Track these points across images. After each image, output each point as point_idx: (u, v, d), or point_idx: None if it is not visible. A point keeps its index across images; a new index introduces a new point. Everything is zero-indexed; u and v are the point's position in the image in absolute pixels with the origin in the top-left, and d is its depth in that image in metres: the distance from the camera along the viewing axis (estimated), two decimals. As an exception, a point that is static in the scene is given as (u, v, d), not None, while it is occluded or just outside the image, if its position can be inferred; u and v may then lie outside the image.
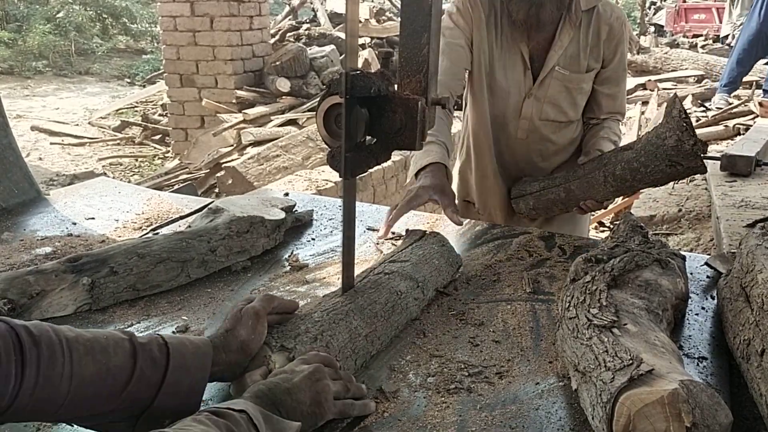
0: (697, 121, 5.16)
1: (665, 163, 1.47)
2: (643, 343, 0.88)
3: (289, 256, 1.45)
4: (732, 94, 5.97)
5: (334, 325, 0.99)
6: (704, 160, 1.45)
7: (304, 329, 0.96)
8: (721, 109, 5.58)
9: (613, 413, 0.78)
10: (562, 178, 1.72)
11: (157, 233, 1.59)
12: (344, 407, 0.87)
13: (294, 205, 1.64)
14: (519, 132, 1.81)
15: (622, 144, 1.77)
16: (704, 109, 5.82)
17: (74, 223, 1.67)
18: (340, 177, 1.03)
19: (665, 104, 1.50)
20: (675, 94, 1.51)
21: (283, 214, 1.52)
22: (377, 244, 1.54)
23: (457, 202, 1.83)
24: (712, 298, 1.26)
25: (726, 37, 12.20)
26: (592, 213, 1.81)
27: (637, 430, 0.76)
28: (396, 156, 4.59)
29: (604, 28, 1.73)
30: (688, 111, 5.60)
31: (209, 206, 1.50)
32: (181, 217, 1.73)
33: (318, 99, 1.03)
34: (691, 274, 1.37)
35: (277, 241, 1.51)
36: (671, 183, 3.30)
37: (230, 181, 4.69)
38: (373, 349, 1.04)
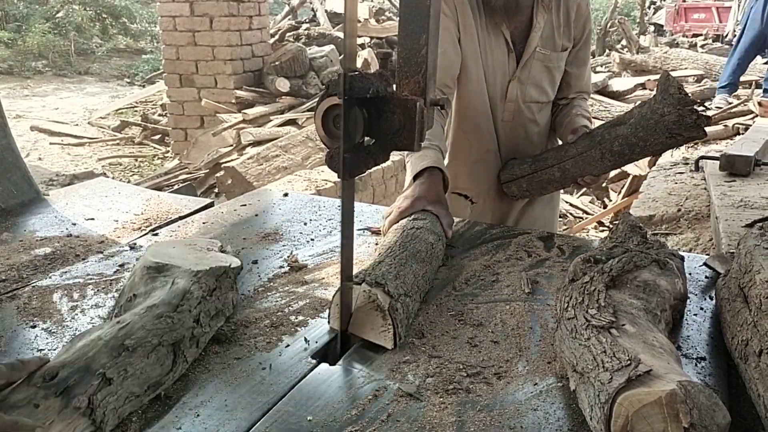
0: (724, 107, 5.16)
1: (665, 136, 1.52)
2: (641, 344, 0.88)
3: (288, 257, 1.45)
4: (732, 94, 5.99)
5: (402, 268, 1.18)
6: (705, 129, 1.50)
7: (385, 270, 1.14)
8: (721, 108, 5.59)
9: (611, 414, 0.79)
10: (554, 159, 1.77)
11: (144, 242, 1.60)
12: None
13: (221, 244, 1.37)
14: (505, 114, 1.89)
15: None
16: (704, 108, 5.80)
17: (74, 224, 1.67)
18: (338, 177, 1.03)
19: (658, 81, 1.53)
20: (666, 71, 1.55)
21: (237, 260, 1.28)
22: (376, 245, 1.55)
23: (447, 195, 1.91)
24: (711, 298, 1.26)
25: (727, 35, 12.22)
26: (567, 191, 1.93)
27: (635, 431, 0.76)
28: (395, 156, 4.59)
29: (572, 8, 1.86)
30: (719, 105, 5.60)
31: (146, 265, 1.14)
32: (181, 218, 1.73)
33: (317, 99, 1.03)
34: (690, 274, 1.37)
35: (238, 292, 1.24)
36: (671, 185, 3.30)
37: (230, 181, 4.69)
38: (426, 287, 1.25)
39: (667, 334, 1.04)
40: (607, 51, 9.80)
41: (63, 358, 0.86)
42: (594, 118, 6.44)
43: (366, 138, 1.06)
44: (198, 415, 0.89)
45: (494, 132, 1.91)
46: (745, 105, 5.44)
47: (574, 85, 1.95)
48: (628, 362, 0.82)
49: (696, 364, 1.04)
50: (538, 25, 1.80)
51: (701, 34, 13.31)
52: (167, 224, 1.68)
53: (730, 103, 5.73)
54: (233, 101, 6.14)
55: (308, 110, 6.03)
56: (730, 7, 13.74)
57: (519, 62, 1.83)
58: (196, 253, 1.24)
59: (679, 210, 2.84)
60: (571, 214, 5.28)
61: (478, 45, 1.80)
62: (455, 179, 1.98)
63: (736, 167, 2.97)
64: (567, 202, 5.54)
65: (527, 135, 1.93)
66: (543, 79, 1.87)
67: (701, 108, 1.47)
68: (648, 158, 4.76)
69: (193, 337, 1.01)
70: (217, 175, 5.01)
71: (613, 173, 5.13)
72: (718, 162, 3.08)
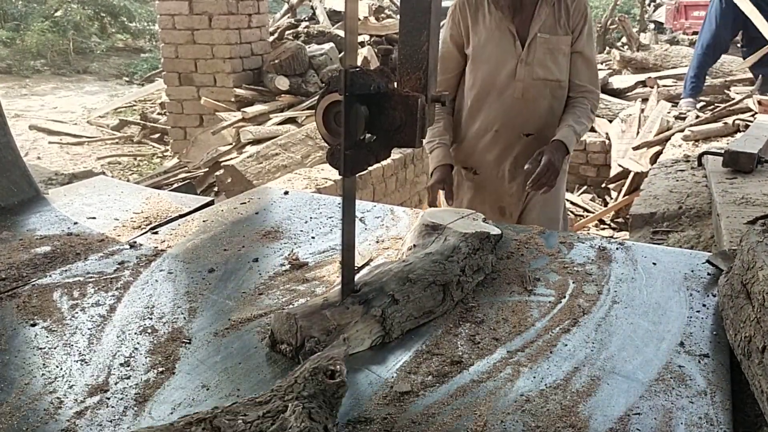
0: (696, 117, 5.15)
1: None
2: None
3: (288, 255, 1.45)
4: (698, 98, 5.95)
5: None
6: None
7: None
8: (691, 110, 5.57)
9: None
10: None
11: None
12: None
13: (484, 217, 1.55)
14: (515, 92, 2.17)
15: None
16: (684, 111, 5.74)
17: (75, 223, 1.67)
18: (339, 175, 1.03)
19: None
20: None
21: (498, 230, 1.45)
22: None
23: (455, 171, 2.31)
24: (713, 295, 1.26)
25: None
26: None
27: None
28: (396, 154, 4.59)
29: (571, 4, 2.16)
30: (688, 109, 5.58)
31: (424, 223, 1.42)
32: (180, 216, 1.73)
33: (317, 97, 1.03)
34: (692, 271, 1.37)
35: (496, 257, 1.42)
36: (672, 183, 3.29)
37: (229, 180, 4.68)
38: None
39: None
40: (608, 48, 9.78)
41: (364, 279, 1.16)
42: (595, 115, 6.38)
43: (367, 135, 1.06)
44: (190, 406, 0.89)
45: (503, 110, 2.19)
46: (743, 103, 5.42)
47: (574, 78, 2.20)
48: None
49: (699, 361, 1.03)
50: (539, 18, 2.13)
51: (701, 32, 13.27)
52: (167, 222, 1.68)
53: (697, 108, 5.67)
54: (232, 100, 6.12)
55: (308, 108, 6.01)
56: (730, 5, 13.68)
57: (524, 47, 2.14)
58: (464, 220, 1.47)
59: (680, 207, 2.83)
60: (571, 212, 5.28)
61: (487, 38, 2.16)
62: (464, 155, 2.32)
63: (739, 164, 2.96)
64: (568, 200, 5.53)
65: (537, 111, 2.18)
66: (547, 60, 2.14)
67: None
68: (649, 156, 4.76)
69: (458, 283, 1.24)
70: (217, 173, 5.00)
71: (613, 173, 5.12)
72: (720, 158, 3.07)
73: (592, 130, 6.10)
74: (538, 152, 2.05)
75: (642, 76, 7.22)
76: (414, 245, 1.38)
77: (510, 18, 2.14)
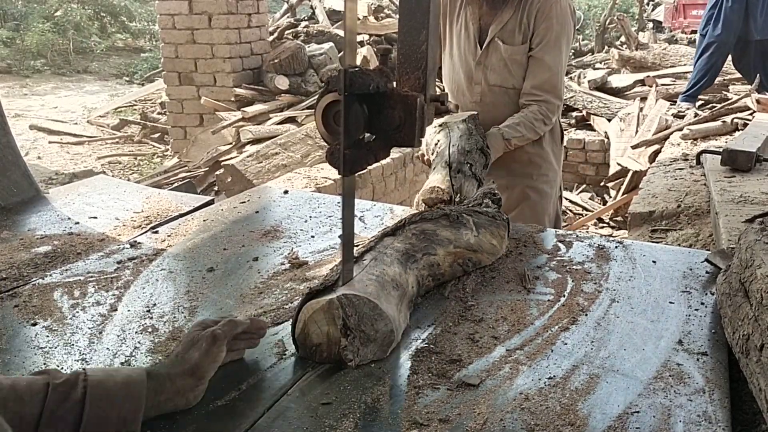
0: (695, 116, 5.15)
1: None
2: (365, 273, 1.08)
3: (288, 254, 1.45)
4: (696, 100, 5.94)
5: None
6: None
7: None
8: (690, 109, 5.57)
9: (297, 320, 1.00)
10: None
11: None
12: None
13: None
14: (473, 95, 2.11)
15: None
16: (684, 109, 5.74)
17: (77, 222, 1.67)
18: (339, 174, 1.03)
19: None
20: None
21: (473, 112, 1.93)
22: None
23: None
24: (712, 293, 1.26)
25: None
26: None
27: (309, 332, 0.97)
28: (395, 153, 4.58)
29: (536, 5, 1.96)
30: (687, 108, 5.58)
31: (434, 125, 1.81)
32: (181, 215, 1.73)
33: (317, 96, 1.03)
34: (691, 269, 1.37)
35: None
36: (671, 181, 3.30)
37: (229, 179, 4.68)
38: None
39: (420, 268, 1.22)
40: (606, 48, 9.78)
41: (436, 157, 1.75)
42: (593, 114, 6.34)
43: (366, 134, 1.06)
44: (203, 412, 0.89)
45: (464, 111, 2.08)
46: (742, 101, 5.42)
47: (528, 82, 2.01)
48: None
49: (697, 359, 1.04)
50: (500, 18, 1.99)
51: (700, 31, 13.25)
52: (167, 222, 1.68)
53: (696, 108, 5.65)
54: (232, 99, 6.13)
55: (307, 108, 6.01)
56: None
57: (482, 48, 2.04)
58: (452, 116, 1.89)
59: (678, 206, 2.84)
60: (570, 210, 5.28)
61: (456, 31, 2.06)
62: None
63: (738, 162, 2.96)
64: (567, 199, 5.53)
65: (496, 118, 2.03)
66: (501, 68, 2.03)
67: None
68: (648, 154, 4.76)
69: (487, 147, 1.81)
70: (217, 173, 5.00)
71: (611, 172, 5.12)
72: (719, 157, 3.07)
73: (591, 129, 6.10)
74: None
75: (641, 75, 7.23)
76: (439, 140, 1.78)
77: (478, 13, 2.03)
